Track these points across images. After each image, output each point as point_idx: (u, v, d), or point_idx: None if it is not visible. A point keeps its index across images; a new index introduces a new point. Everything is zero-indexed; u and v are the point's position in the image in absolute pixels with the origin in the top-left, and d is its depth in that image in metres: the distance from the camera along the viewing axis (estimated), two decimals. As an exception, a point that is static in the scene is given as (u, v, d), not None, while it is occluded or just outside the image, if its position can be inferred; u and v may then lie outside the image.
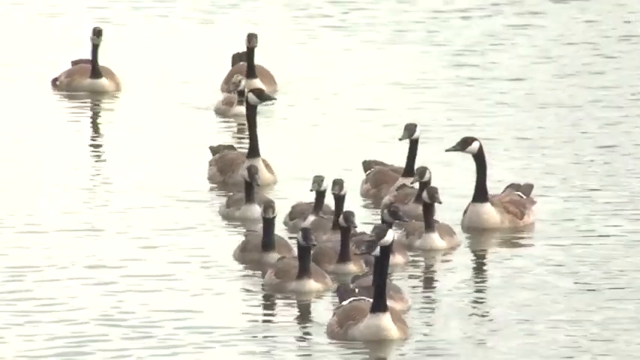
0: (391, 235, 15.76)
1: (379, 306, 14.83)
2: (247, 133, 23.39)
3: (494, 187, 20.75)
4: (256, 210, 19.93)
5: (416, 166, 21.05)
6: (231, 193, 21.44)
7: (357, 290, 15.81)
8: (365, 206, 21.69)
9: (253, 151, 22.41)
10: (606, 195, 22.47)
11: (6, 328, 16.77)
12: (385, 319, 14.83)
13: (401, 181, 21.13)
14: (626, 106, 31.60)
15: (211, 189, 22.69)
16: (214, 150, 23.13)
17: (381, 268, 15.07)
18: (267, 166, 22.65)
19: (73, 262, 19.17)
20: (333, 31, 33.87)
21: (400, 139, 21.90)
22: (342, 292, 15.89)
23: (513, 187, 20.32)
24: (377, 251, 15.27)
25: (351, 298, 15.56)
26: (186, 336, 16.29)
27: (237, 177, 21.95)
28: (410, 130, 21.23)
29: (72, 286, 18.09)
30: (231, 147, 23.54)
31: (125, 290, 17.83)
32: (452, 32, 40.49)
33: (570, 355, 15.98)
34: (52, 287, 18.30)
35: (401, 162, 22.06)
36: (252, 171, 20.55)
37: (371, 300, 15.19)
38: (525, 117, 29.03)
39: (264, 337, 16.17)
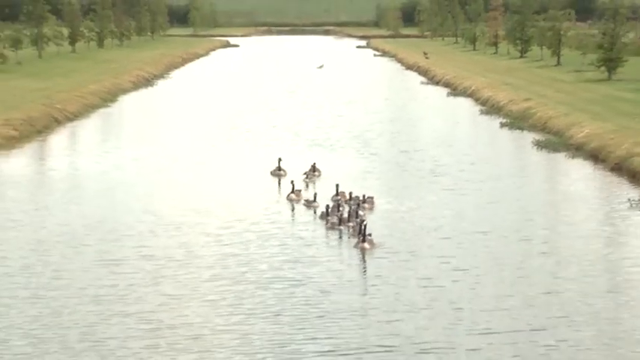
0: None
1: (364, 239, 18.56)
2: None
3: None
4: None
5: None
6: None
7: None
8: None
9: None
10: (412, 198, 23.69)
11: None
12: (368, 243, 18.53)
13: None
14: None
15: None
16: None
17: (364, 228, 18.68)
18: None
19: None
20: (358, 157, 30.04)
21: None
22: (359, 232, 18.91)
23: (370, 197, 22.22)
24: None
25: (360, 237, 18.78)
26: (288, 241, 19.37)
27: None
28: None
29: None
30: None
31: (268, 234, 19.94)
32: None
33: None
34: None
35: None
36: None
37: (371, 238, 18.59)
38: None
39: (328, 245, 19.29)
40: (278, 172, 26.86)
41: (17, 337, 13.76)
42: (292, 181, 24.10)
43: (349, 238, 19.58)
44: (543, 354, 13.23)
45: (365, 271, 17.38)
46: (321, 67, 77.30)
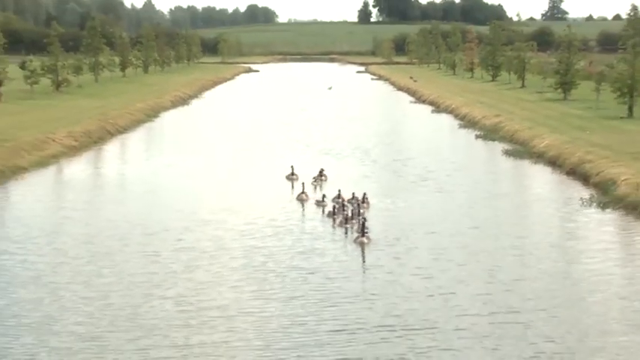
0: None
1: (362, 235, 17.81)
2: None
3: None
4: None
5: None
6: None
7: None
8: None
9: None
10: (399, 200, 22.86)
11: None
12: (366, 238, 17.78)
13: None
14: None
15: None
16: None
17: (363, 225, 17.94)
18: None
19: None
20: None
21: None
22: (359, 228, 17.96)
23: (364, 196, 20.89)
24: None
25: (360, 233, 18.02)
26: (301, 235, 18.62)
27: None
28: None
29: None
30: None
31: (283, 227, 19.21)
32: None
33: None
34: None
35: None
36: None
37: (368, 234, 17.81)
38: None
39: (334, 239, 18.48)
40: (291, 177, 26.25)
41: (71, 316, 13.42)
42: (303, 183, 23.55)
43: (352, 234, 18.96)
44: (517, 331, 12.83)
45: (365, 262, 16.85)
46: (330, 88, 77.08)
